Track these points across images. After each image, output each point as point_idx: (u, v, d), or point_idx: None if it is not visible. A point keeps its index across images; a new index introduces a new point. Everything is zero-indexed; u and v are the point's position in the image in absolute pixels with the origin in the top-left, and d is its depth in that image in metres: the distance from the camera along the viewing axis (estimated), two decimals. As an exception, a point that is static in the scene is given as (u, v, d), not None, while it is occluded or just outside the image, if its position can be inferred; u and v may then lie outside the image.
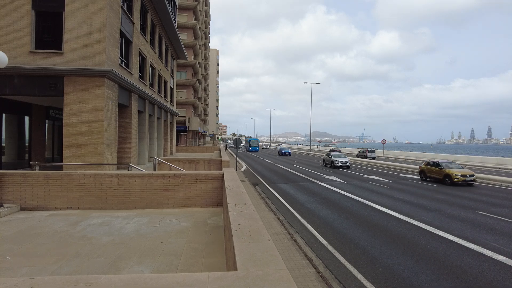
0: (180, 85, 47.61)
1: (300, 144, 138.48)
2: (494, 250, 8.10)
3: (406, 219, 11.28)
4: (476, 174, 23.48)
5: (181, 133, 49.87)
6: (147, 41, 21.41)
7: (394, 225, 10.56)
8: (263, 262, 2.47)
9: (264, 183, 20.73)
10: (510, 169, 32.29)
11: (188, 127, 48.25)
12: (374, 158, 45.68)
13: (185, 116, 48.19)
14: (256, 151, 74.09)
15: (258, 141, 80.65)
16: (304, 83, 66.35)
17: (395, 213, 12.23)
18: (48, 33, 13.87)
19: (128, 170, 11.86)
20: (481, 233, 9.66)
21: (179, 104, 46.62)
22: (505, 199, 15.57)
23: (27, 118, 17.29)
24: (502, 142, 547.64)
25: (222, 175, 8.41)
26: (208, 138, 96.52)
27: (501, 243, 8.69)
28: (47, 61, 13.43)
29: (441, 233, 9.59)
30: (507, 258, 7.56)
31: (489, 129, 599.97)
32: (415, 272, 6.85)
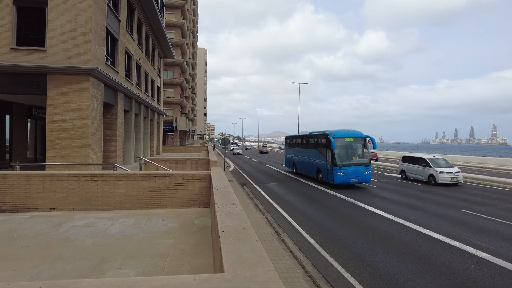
0: (167, 84, 47.09)
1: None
2: (476, 247, 8.28)
3: (392, 218, 11.41)
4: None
5: (168, 133, 49.37)
6: (133, 39, 21.08)
7: (380, 224, 10.67)
8: (251, 263, 2.43)
9: (252, 182, 20.70)
10: (492, 168, 33.16)
11: (175, 126, 47.78)
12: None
13: (172, 116, 47.70)
14: (363, 183, 19.64)
15: (370, 141, 19.94)
16: (292, 83, 65.82)
17: (381, 211, 12.37)
18: (31, 29, 13.48)
19: (114, 170, 11.64)
20: (465, 231, 9.85)
21: (166, 103, 46.10)
22: (487, 197, 15.95)
23: (8, 117, 16.77)
24: (483, 142, 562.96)
25: (210, 175, 8.33)
26: (195, 138, 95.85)
27: (483, 240, 8.88)
28: (30, 59, 13.05)
29: (426, 231, 9.74)
30: (488, 255, 7.73)
31: (472, 129, 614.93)
32: (401, 270, 6.93)
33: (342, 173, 18.22)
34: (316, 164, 21.31)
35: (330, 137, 18.89)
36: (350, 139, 19.32)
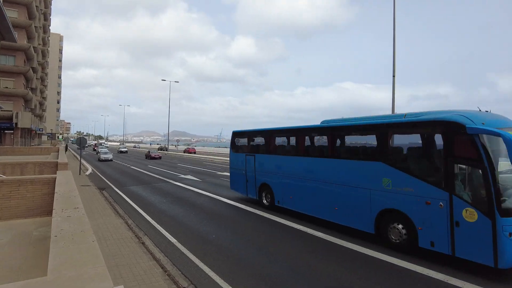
0: (6, 72, 39.17)
1: (158, 144, 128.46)
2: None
3: (253, 211, 12.48)
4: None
5: (6, 131, 40.86)
6: (-50, 12, 16.63)
7: (242, 217, 11.56)
8: (81, 263, 2.40)
9: (113, 186, 19.19)
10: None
11: (16, 123, 40.04)
12: None
13: (11, 111, 39.84)
14: None
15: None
16: (162, 80, 62.02)
17: (243, 206, 13.35)
18: None
19: None
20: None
21: (4, 95, 38.50)
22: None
23: None
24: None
25: (55, 180, 7.42)
26: (45, 138, 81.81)
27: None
28: None
29: (285, 221, 11.05)
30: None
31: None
32: (257, 259, 7.75)
33: None
34: (385, 201, 8.01)
35: (484, 129, 6.30)
36: None
